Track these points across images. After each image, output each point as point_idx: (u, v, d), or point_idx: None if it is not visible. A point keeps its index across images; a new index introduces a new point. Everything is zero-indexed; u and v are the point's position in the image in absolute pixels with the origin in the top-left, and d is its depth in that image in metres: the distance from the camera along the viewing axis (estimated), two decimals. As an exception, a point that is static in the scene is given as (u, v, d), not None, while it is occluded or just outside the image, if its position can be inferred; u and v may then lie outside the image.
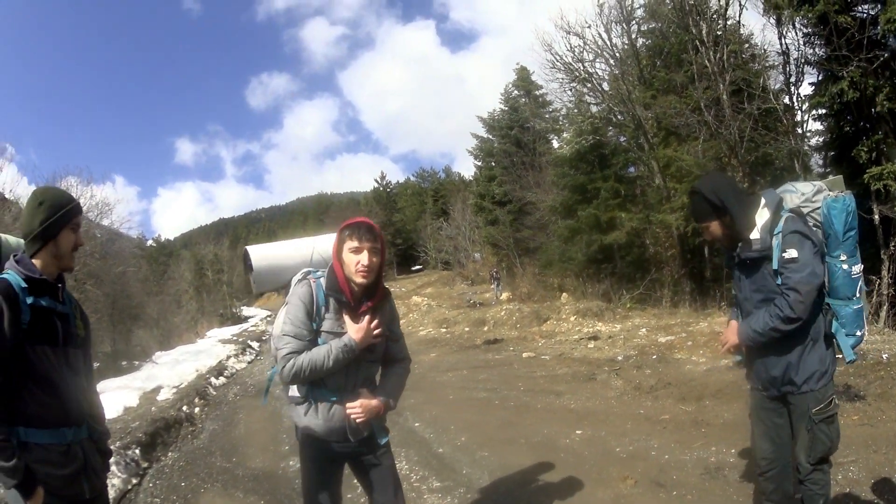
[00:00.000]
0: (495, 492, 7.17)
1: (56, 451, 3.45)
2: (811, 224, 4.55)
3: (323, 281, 4.21)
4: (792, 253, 4.35)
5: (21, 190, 29.73)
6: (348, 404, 4.17)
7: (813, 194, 4.61)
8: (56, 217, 3.52)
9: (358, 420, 4.18)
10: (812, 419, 4.49)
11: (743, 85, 23.60)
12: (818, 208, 4.54)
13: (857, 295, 4.49)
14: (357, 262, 4.05)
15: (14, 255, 3.53)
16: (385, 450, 4.49)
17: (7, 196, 26.57)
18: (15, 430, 3.29)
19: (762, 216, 4.53)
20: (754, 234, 4.53)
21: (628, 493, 6.54)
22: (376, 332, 4.15)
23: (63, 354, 3.56)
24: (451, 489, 7.47)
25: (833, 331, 4.47)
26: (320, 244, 4.87)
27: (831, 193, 4.55)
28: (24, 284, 3.37)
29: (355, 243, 4.06)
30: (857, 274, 4.49)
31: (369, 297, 4.21)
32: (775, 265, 4.42)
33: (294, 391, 4.27)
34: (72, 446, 3.55)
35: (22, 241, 3.82)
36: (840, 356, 4.59)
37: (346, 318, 4.16)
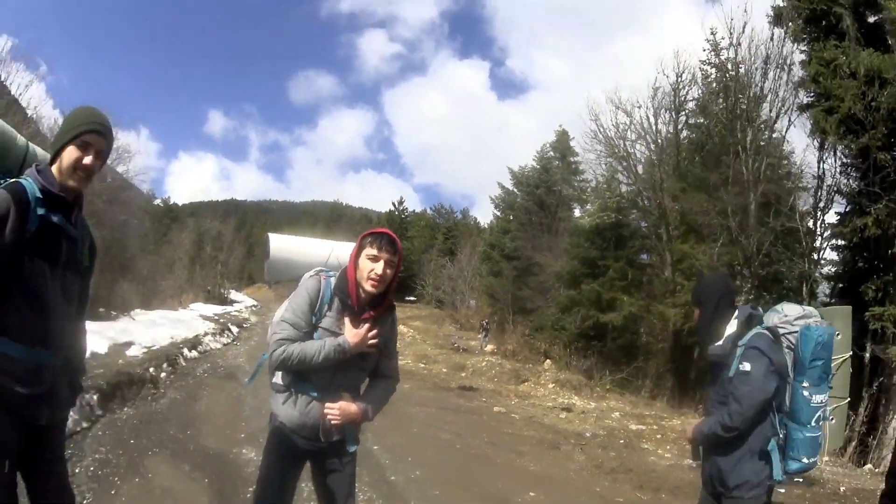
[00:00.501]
0: (438, 535, 7.12)
1: (25, 367, 3.33)
2: (785, 346, 4.65)
3: (333, 280, 4.23)
4: (746, 366, 4.48)
5: (45, 111, 29.69)
6: (327, 404, 4.15)
7: (795, 318, 4.71)
8: (65, 131, 3.48)
9: (333, 421, 4.16)
10: None
11: (772, 199, 23.67)
12: (795, 332, 4.63)
13: (814, 423, 4.55)
14: (371, 269, 4.06)
15: (37, 165, 3.48)
16: (350, 458, 4.46)
17: (29, 113, 26.40)
18: None
19: (731, 326, 4.71)
20: (719, 341, 4.74)
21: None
22: (372, 341, 4.14)
23: (60, 277, 3.48)
24: (396, 519, 7.37)
25: (769, 449, 4.53)
26: (339, 249, 4.90)
27: (813, 321, 4.65)
28: (38, 195, 3.31)
29: (374, 251, 4.07)
30: (818, 403, 4.55)
31: (374, 307, 4.21)
32: (731, 373, 4.56)
33: (278, 378, 4.25)
34: (43, 369, 3.43)
35: (46, 154, 3.82)
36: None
37: (347, 321, 4.15)
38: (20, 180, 3.32)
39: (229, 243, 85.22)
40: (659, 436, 14.64)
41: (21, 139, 3.76)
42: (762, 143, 25.30)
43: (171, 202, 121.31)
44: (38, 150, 3.86)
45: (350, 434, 4.34)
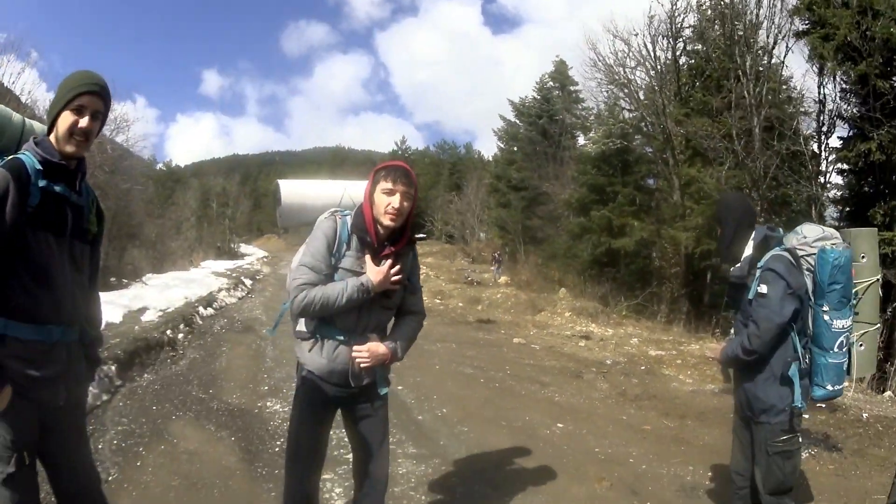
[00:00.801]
0: (470, 468, 7.12)
1: (38, 348, 3.25)
2: (805, 268, 4.60)
3: (349, 219, 4.14)
4: (763, 289, 4.47)
5: (39, 94, 29.68)
6: (355, 347, 4.10)
7: (814, 239, 4.66)
8: (59, 97, 3.36)
9: (362, 364, 4.11)
10: (767, 450, 4.59)
11: (776, 123, 23.53)
12: (813, 254, 4.57)
13: (837, 349, 4.49)
14: (388, 203, 4.00)
15: (34, 138, 3.38)
16: (382, 402, 4.43)
17: (24, 99, 26.34)
18: None
19: (749, 248, 4.72)
20: (738, 263, 4.75)
21: (602, 494, 6.51)
22: (396, 277, 4.09)
23: (68, 247, 3.40)
24: (427, 458, 7.43)
25: (790, 374, 4.48)
26: (352, 188, 4.78)
27: (831, 243, 4.58)
28: (38, 167, 3.24)
29: (389, 185, 4.01)
30: (841, 329, 4.47)
31: (393, 242, 4.15)
32: (750, 296, 4.57)
33: (302, 326, 4.20)
34: (56, 346, 3.34)
35: (44, 128, 3.69)
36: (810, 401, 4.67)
37: (368, 259, 4.08)
38: (18, 155, 3.25)
39: (235, 198, 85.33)
40: (679, 361, 14.59)
41: (17, 116, 3.67)
42: (761, 69, 25.09)
43: (174, 165, 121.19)
44: (36, 125, 3.76)
45: (380, 376, 4.30)
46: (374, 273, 4.01)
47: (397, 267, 4.08)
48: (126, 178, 32.90)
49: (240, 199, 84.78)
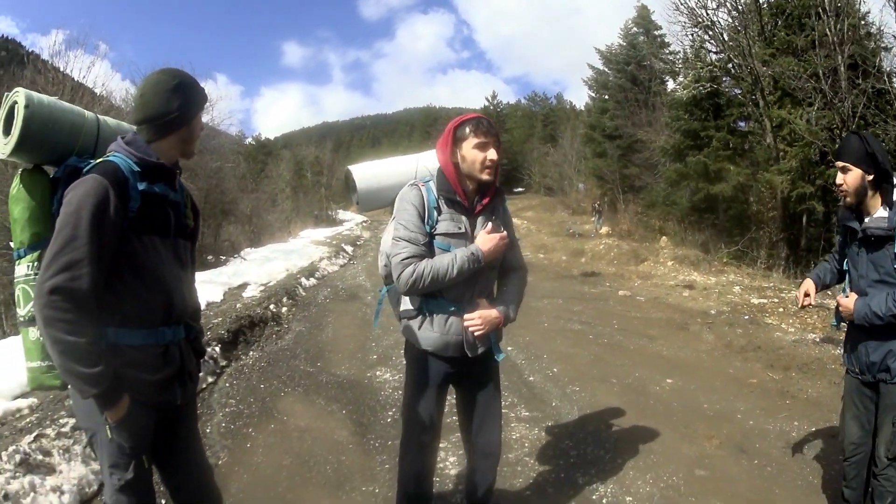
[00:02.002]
0: (582, 430, 7.18)
1: (152, 353, 3.26)
2: None
3: (432, 184, 4.11)
4: None
5: (114, 85, 30.00)
6: (466, 316, 4.06)
7: None
8: (195, 100, 3.36)
9: (477, 333, 4.07)
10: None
11: (859, 60, 22.82)
12: None
13: None
14: (484, 157, 3.94)
15: (122, 137, 3.29)
16: (495, 370, 4.42)
17: (98, 92, 26.42)
18: (104, 332, 3.09)
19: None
20: (881, 213, 4.27)
21: (712, 453, 6.52)
22: (503, 241, 4.04)
23: (172, 246, 3.40)
24: (540, 420, 7.51)
25: None
26: (425, 159, 4.66)
27: None
28: (135, 168, 3.17)
29: (481, 139, 3.94)
30: None
31: (482, 197, 4.12)
32: None
33: (406, 304, 4.19)
34: (170, 348, 3.36)
35: (121, 123, 3.78)
36: None
37: (480, 231, 4.06)
38: (110, 158, 3.18)
39: (329, 165, 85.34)
40: (781, 309, 14.45)
41: (90, 115, 3.66)
42: (840, 4, 24.18)
43: (263, 138, 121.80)
44: (110, 121, 3.76)
45: (495, 342, 4.25)
46: (484, 242, 3.97)
47: (504, 233, 4.04)
48: (215, 156, 33.01)
49: (334, 166, 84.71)
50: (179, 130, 3.31)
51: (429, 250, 3.97)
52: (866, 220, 4.35)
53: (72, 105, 3.60)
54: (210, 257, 26.51)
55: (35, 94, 3.36)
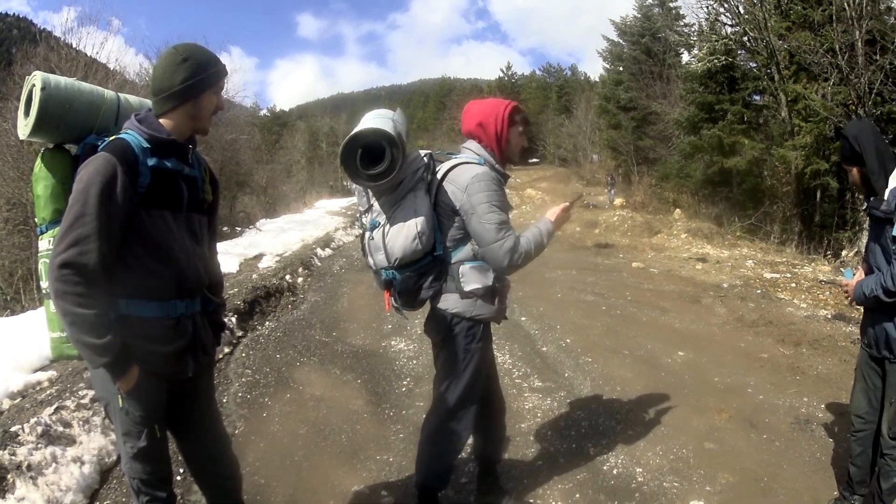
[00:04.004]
0: (595, 401, 7.27)
1: (162, 325, 3.33)
2: None
3: (485, 164, 4.25)
4: None
5: (128, 59, 29.85)
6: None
7: None
8: (201, 77, 3.31)
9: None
10: None
11: (877, 36, 22.52)
12: None
13: None
14: (521, 145, 4.44)
15: (136, 114, 3.35)
16: None
17: (112, 66, 26.19)
18: (114, 304, 3.19)
19: (894, 178, 4.23)
20: (887, 195, 4.23)
21: (722, 427, 6.57)
22: (566, 214, 4.44)
23: (185, 220, 3.44)
24: (552, 391, 7.60)
25: None
26: (396, 117, 4.34)
27: None
28: (146, 145, 3.22)
29: (524, 127, 4.45)
30: None
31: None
32: (894, 232, 4.13)
33: (476, 283, 4.23)
34: (182, 320, 3.42)
35: (143, 101, 3.83)
36: None
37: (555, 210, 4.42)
38: (121, 136, 3.24)
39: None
40: (793, 284, 14.44)
41: (109, 93, 3.74)
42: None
43: (278, 110, 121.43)
44: (132, 99, 3.85)
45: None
46: (555, 216, 4.34)
47: (567, 205, 4.45)
48: (231, 128, 32.91)
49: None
50: (185, 105, 3.34)
51: None
52: (872, 200, 4.39)
53: (91, 85, 3.70)
54: (226, 228, 26.61)
55: (52, 77, 3.43)
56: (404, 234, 4.10)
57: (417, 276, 4.25)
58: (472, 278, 4.22)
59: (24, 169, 18.57)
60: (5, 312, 14.67)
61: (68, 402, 5.98)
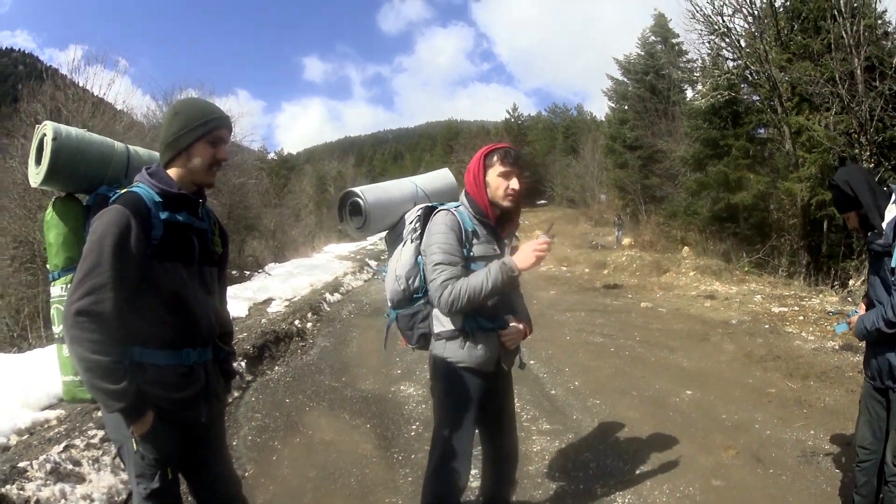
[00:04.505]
0: (603, 442, 7.29)
1: (175, 372, 3.35)
2: None
3: (463, 209, 4.24)
4: None
5: (135, 101, 29.99)
6: (502, 332, 4.24)
7: None
8: (190, 129, 3.36)
9: (511, 346, 4.31)
10: None
11: (876, 62, 22.60)
12: None
13: None
14: (507, 186, 4.15)
15: (147, 168, 3.40)
16: (511, 377, 4.64)
17: (119, 107, 26.40)
18: (129, 351, 3.21)
19: (891, 211, 4.30)
20: (886, 228, 4.28)
21: (729, 463, 6.60)
22: (542, 250, 4.04)
23: (197, 273, 3.48)
24: (560, 433, 7.61)
25: None
26: (421, 181, 4.94)
27: None
28: (157, 199, 3.27)
29: (507, 168, 4.16)
30: None
31: (506, 221, 4.36)
32: (893, 263, 4.19)
33: (443, 325, 4.25)
34: (194, 368, 3.46)
35: (152, 153, 3.90)
36: None
37: (518, 246, 4.28)
38: (133, 189, 3.29)
39: (351, 179, 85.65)
40: (801, 317, 14.44)
41: (119, 145, 3.84)
42: (856, 5, 24.02)
43: (286, 153, 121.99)
44: (141, 151, 3.93)
45: (520, 354, 4.53)
46: (522, 259, 4.02)
47: (546, 239, 4.06)
48: (238, 172, 32.98)
49: (356, 180, 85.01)
50: (179, 156, 3.40)
51: (466, 273, 4.06)
52: (870, 234, 4.44)
53: (102, 136, 3.78)
54: (235, 272, 26.56)
55: (63, 127, 3.53)
56: (391, 278, 4.44)
57: (410, 317, 4.41)
58: (441, 320, 4.28)
59: (31, 207, 18.75)
60: (12, 350, 14.70)
61: (77, 441, 6.04)
